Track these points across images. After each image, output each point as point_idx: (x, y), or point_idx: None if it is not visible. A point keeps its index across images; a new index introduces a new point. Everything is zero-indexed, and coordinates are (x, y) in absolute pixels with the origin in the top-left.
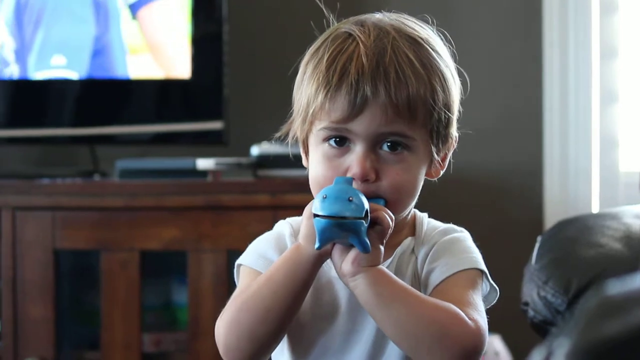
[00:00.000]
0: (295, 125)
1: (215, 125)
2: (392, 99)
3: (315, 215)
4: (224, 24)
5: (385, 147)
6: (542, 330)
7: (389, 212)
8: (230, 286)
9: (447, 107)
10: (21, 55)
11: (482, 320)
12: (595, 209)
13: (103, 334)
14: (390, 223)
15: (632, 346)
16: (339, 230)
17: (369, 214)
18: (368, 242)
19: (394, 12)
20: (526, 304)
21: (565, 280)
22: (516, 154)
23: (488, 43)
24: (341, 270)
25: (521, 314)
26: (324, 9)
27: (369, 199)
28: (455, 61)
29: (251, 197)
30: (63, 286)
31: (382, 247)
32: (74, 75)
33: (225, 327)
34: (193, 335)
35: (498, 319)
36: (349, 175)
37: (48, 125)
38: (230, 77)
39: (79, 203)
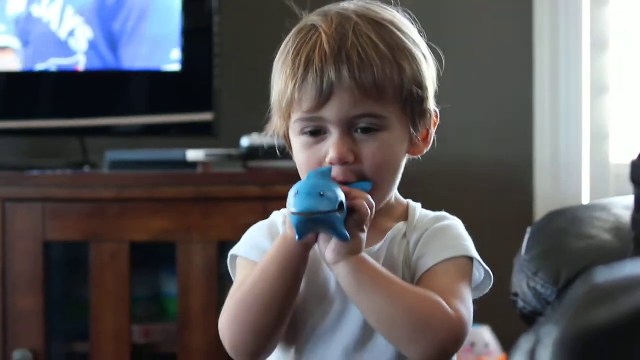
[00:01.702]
0: (274, 123)
1: (206, 116)
2: (357, 80)
3: (290, 213)
4: (215, 16)
5: (360, 130)
6: (531, 321)
7: (369, 199)
8: (221, 277)
9: (418, 83)
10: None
11: (466, 311)
12: (585, 200)
13: (92, 325)
14: (369, 211)
15: (620, 334)
16: (314, 225)
17: (344, 205)
18: (346, 232)
19: None
20: (516, 294)
21: (555, 271)
22: (507, 146)
23: (478, 36)
24: (325, 257)
25: (511, 305)
26: (295, 9)
27: (356, 182)
28: (425, 38)
29: (241, 189)
30: (53, 278)
31: (362, 235)
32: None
33: (229, 324)
34: (183, 326)
35: (488, 310)
36: (327, 160)
37: (38, 116)
38: (220, 69)
39: (69, 194)
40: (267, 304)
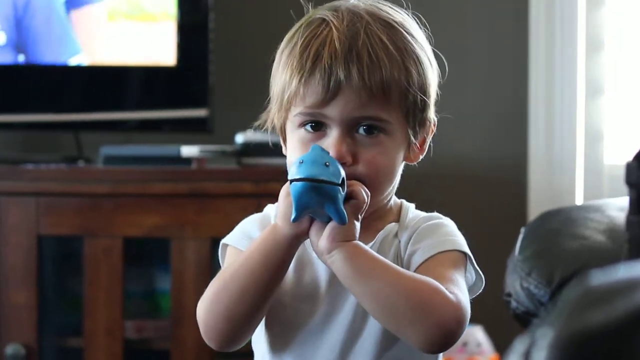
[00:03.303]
0: (272, 113)
1: (200, 112)
2: (365, 82)
3: (292, 182)
4: (210, 12)
5: (361, 131)
6: (524, 321)
7: (365, 188)
8: (213, 274)
9: (423, 90)
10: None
11: (463, 296)
12: (579, 201)
13: (85, 320)
14: (366, 198)
15: (614, 337)
16: (316, 195)
17: (345, 183)
18: (345, 211)
19: None
20: (509, 295)
21: (548, 271)
22: (501, 145)
23: (474, 34)
24: (318, 247)
25: (504, 305)
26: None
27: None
28: (431, 45)
29: (235, 185)
30: (46, 272)
31: (357, 223)
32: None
33: (205, 307)
34: (176, 323)
35: (481, 310)
36: None
37: (32, 110)
38: (215, 65)
39: (63, 189)
40: (243, 292)
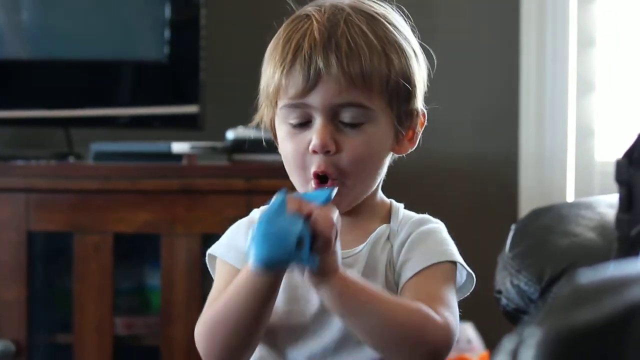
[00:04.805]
0: (261, 110)
1: (191, 109)
2: (344, 69)
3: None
4: (202, 8)
5: (344, 120)
6: (514, 318)
7: (330, 216)
8: (203, 271)
9: (406, 77)
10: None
11: (452, 317)
12: (570, 198)
13: (75, 316)
14: (332, 232)
15: (602, 335)
16: (275, 269)
17: (303, 240)
18: (313, 258)
19: None
20: (499, 292)
21: (539, 269)
22: (492, 142)
23: (465, 32)
24: (307, 281)
25: (494, 302)
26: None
27: (316, 191)
28: (418, 38)
29: (226, 182)
30: (36, 268)
31: (334, 253)
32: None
33: (202, 336)
34: (165, 319)
35: (471, 307)
36: (310, 147)
37: (23, 106)
38: (206, 61)
39: (53, 185)
40: (236, 326)
